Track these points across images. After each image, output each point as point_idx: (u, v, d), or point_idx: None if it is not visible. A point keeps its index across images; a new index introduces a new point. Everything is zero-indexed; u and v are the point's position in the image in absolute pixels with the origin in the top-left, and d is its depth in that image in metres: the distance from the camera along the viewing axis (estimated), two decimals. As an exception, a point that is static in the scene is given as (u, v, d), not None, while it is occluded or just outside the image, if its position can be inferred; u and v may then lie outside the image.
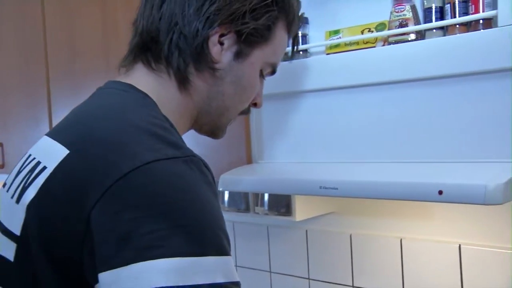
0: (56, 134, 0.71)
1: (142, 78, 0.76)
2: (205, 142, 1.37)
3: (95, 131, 0.65)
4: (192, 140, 1.39)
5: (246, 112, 0.88)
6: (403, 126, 1.03)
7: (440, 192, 0.83)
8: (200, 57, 0.75)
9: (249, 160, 1.29)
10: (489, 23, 0.93)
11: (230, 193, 1.51)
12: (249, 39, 0.77)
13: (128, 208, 0.56)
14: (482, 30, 0.93)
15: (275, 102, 1.25)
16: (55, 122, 1.86)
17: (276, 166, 1.21)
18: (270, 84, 1.22)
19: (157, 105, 0.73)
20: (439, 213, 1.28)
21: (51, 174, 0.63)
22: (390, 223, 1.38)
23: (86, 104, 0.76)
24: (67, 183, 0.61)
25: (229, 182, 1.16)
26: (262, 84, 0.87)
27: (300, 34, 1.22)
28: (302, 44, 1.22)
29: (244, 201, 1.53)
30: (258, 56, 0.80)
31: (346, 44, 1.15)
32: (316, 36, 1.24)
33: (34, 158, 0.70)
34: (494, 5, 0.91)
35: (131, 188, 0.57)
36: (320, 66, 1.14)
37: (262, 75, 0.84)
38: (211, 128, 0.85)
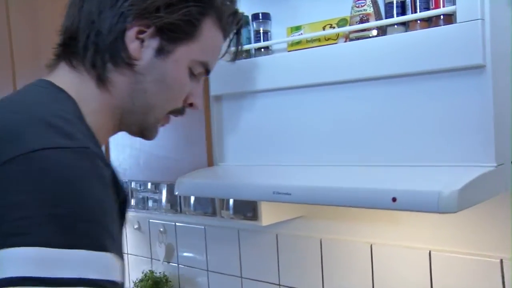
0: None
1: (63, 76, 0.75)
2: (167, 144, 1.32)
3: None
4: (153, 142, 1.34)
5: (179, 112, 0.84)
6: (363, 127, 0.97)
7: (394, 199, 0.77)
8: (117, 54, 0.73)
9: (211, 163, 1.24)
10: (450, 18, 0.87)
11: (196, 196, 1.46)
12: (170, 36, 0.75)
13: (5, 193, 0.54)
14: (442, 26, 0.87)
15: (236, 101, 1.19)
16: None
17: (235, 169, 1.15)
18: (231, 83, 1.17)
19: (73, 101, 0.71)
20: (408, 218, 1.23)
21: None
22: (360, 228, 1.33)
23: (3, 99, 0.73)
24: None
25: (183, 186, 1.11)
26: (197, 84, 0.83)
27: (261, 31, 1.17)
28: (264, 41, 1.17)
29: (211, 205, 1.48)
30: (183, 53, 0.77)
31: (307, 41, 1.10)
32: (279, 33, 1.18)
33: None
34: (454, 0, 0.86)
35: (12, 173, 0.55)
36: (281, 64, 1.09)
37: (194, 74, 0.81)
38: (139, 129, 0.82)
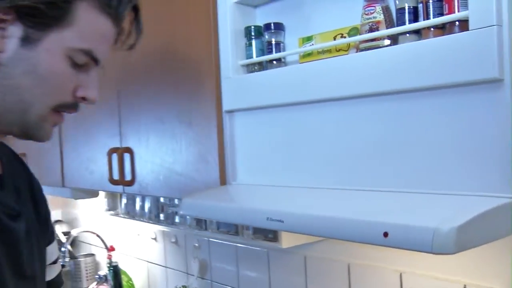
0: None
1: None
2: (183, 160, 1.28)
3: None
4: (172, 158, 1.30)
5: (71, 107, 0.76)
6: (372, 147, 0.87)
7: (386, 234, 0.67)
8: None
9: (223, 181, 1.18)
10: (465, 25, 0.75)
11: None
12: (35, 22, 0.68)
13: None
14: (457, 34, 0.76)
15: (249, 116, 1.13)
16: (65, 133, 1.84)
17: (242, 190, 1.08)
18: (244, 97, 1.11)
19: None
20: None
21: None
22: (389, 254, 1.21)
23: None
24: None
25: (186, 206, 1.06)
26: (86, 74, 0.75)
27: (274, 42, 1.09)
28: (277, 52, 1.09)
29: (233, 224, 1.42)
30: (55, 41, 0.70)
31: (318, 52, 1.01)
32: (293, 44, 1.10)
33: None
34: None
35: None
36: (292, 77, 1.01)
37: (78, 64, 0.73)
38: (22, 129, 0.74)
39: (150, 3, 1.37)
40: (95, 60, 0.75)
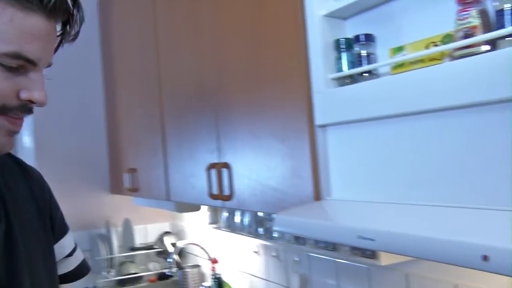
0: None
1: None
2: (278, 175, 1.29)
3: None
4: (267, 173, 1.31)
5: (18, 110, 0.72)
6: (467, 162, 0.81)
7: (485, 258, 0.62)
8: None
9: (317, 196, 1.16)
10: None
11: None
12: None
13: None
14: None
15: (342, 131, 1.10)
16: (169, 150, 1.94)
17: (336, 206, 1.06)
18: (336, 111, 1.09)
19: None
20: None
21: None
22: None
23: None
24: None
25: (280, 222, 1.06)
26: (25, 77, 0.71)
27: (364, 54, 1.06)
28: (367, 64, 1.06)
29: (330, 239, 1.39)
30: None
31: (411, 62, 0.96)
32: (384, 55, 1.06)
33: None
34: None
35: None
36: (384, 89, 0.97)
37: (11, 68, 0.69)
38: None
39: (238, 22, 1.41)
40: (29, 61, 0.70)
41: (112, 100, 2.77)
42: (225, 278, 2.30)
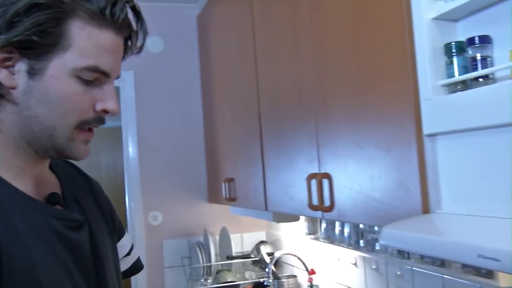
0: None
1: None
2: (381, 186, 1.24)
3: None
4: (369, 184, 1.27)
5: (95, 121, 0.79)
6: None
7: None
8: None
9: (426, 209, 1.10)
10: None
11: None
12: (33, 53, 0.72)
13: None
14: None
15: (453, 140, 1.04)
16: (267, 160, 1.95)
17: (449, 220, 0.99)
18: (446, 119, 1.03)
19: None
20: None
21: None
22: None
23: None
24: None
25: (387, 236, 1.01)
26: (100, 89, 0.78)
27: (479, 57, 0.99)
28: (483, 68, 0.99)
29: (439, 254, 1.31)
30: (58, 66, 0.74)
31: (535, 65, 0.88)
32: (503, 58, 0.99)
33: None
34: None
35: None
36: (504, 95, 0.90)
37: (89, 81, 0.76)
38: (56, 152, 0.79)
39: (340, 29, 1.38)
40: (104, 73, 0.77)
41: (210, 112, 2.84)
42: (322, 290, 2.26)
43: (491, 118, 0.92)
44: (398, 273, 1.74)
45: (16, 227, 0.74)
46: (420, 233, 0.95)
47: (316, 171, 1.54)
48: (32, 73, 0.74)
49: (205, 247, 2.78)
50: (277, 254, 2.37)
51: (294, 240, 2.61)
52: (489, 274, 1.15)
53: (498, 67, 0.96)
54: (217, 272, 2.74)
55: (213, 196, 2.85)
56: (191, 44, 3.01)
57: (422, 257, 1.37)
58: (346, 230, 1.87)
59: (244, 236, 2.99)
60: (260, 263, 2.74)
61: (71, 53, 0.74)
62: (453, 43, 1.02)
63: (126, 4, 0.78)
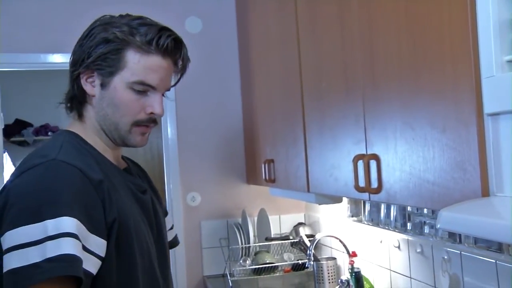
0: None
1: (69, 123, 1.21)
2: (435, 168, 1.19)
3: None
4: (423, 166, 1.22)
5: (147, 121, 1.14)
6: None
7: None
8: (78, 97, 1.15)
9: (485, 192, 1.05)
10: None
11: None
12: (103, 73, 1.10)
13: (8, 200, 0.99)
14: None
15: (519, 120, 0.98)
16: (309, 141, 1.92)
17: (511, 203, 0.94)
18: (509, 98, 0.97)
19: (75, 135, 1.14)
20: None
21: None
22: None
23: None
24: None
25: (445, 219, 0.96)
26: (148, 97, 1.12)
27: None
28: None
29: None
30: (118, 81, 1.10)
31: None
32: None
33: None
34: None
35: (7, 189, 1.02)
36: None
37: (139, 91, 1.11)
38: (120, 141, 1.15)
39: (398, 2, 1.32)
40: (150, 86, 1.11)
41: (249, 92, 2.81)
42: (364, 272, 2.23)
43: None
44: (445, 257, 1.70)
45: (113, 181, 1.08)
46: (483, 216, 0.91)
47: (363, 152, 1.50)
48: (103, 85, 1.11)
49: (243, 229, 2.78)
50: (318, 236, 2.34)
51: (334, 222, 2.58)
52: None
53: None
54: (256, 254, 2.74)
55: (252, 177, 2.83)
56: (230, 24, 2.97)
57: (476, 241, 1.32)
58: (392, 213, 1.83)
59: (282, 218, 2.97)
60: (299, 245, 2.72)
61: (126, 72, 1.09)
62: (522, 16, 0.96)
63: (169, 37, 1.10)
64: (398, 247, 1.99)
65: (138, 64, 1.09)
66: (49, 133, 4.74)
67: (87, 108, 1.15)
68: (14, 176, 1.03)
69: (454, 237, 1.46)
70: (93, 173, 1.03)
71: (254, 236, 2.78)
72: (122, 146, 1.18)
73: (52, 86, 5.02)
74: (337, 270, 2.49)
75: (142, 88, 1.10)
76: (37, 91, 4.52)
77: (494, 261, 1.46)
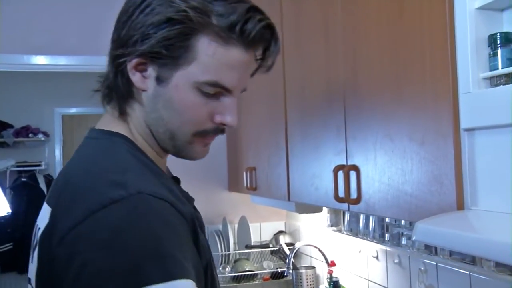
0: (47, 196, 0.81)
1: (105, 120, 0.87)
2: (413, 180, 1.21)
3: (66, 188, 0.75)
4: (401, 178, 1.24)
5: (213, 132, 0.84)
6: None
7: None
8: (121, 89, 0.81)
9: (460, 206, 1.07)
10: None
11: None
12: (161, 63, 0.77)
13: (78, 253, 0.65)
14: None
15: (493, 136, 1.00)
16: (291, 150, 1.93)
17: (485, 217, 0.96)
18: (486, 114, 0.99)
19: (131, 144, 0.82)
20: None
21: (42, 232, 0.74)
22: None
23: (70, 161, 0.83)
24: (48, 235, 0.72)
25: (421, 232, 0.98)
26: (219, 102, 0.81)
27: None
28: (528, 61, 0.95)
29: (469, 251, 1.29)
30: (182, 77, 0.78)
31: None
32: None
33: (37, 225, 0.81)
34: None
35: (80, 236, 0.66)
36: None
37: (208, 94, 0.79)
38: (174, 151, 0.86)
39: (375, 17, 1.34)
40: (225, 88, 0.79)
41: (232, 99, 2.82)
42: (342, 282, 2.24)
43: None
44: (422, 268, 1.72)
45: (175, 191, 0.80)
46: (457, 230, 0.92)
47: (344, 162, 1.52)
48: (159, 80, 0.79)
49: (223, 236, 2.78)
50: (297, 245, 2.35)
51: (314, 231, 2.60)
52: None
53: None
54: (235, 261, 2.74)
55: (234, 185, 2.84)
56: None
57: (451, 253, 1.35)
58: (371, 224, 1.85)
59: (262, 226, 2.98)
60: (278, 253, 2.73)
61: (194, 66, 0.77)
62: (498, 34, 0.99)
63: (260, 22, 0.77)
64: (377, 257, 2.01)
65: (212, 57, 0.77)
66: (30, 135, 4.70)
67: (132, 105, 0.83)
68: (77, 216, 0.67)
69: (430, 248, 1.48)
70: (181, 204, 0.75)
71: (234, 243, 2.78)
72: (174, 156, 0.88)
73: (34, 87, 5.00)
74: (316, 279, 2.50)
75: (214, 91, 0.79)
76: (19, 92, 4.48)
77: (468, 272, 1.48)
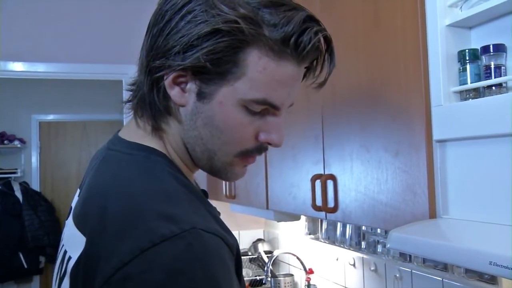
0: (76, 218, 0.73)
1: (136, 132, 0.77)
2: (388, 190, 1.25)
3: (105, 216, 0.65)
4: (376, 187, 1.28)
5: (256, 151, 0.75)
6: None
7: None
8: (157, 104, 0.73)
9: (433, 214, 1.11)
10: None
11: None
12: (205, 78, 0.69)
13: None
14: None
15: (464, 147, 1.05)
16: (270, 159, 1.94)
17: (456, 226, 1.00)
18: (457, 126, 1.04)
19: (170, 163, 0.74)
20: None
21: (75, 263, 0.66)
22: None
23: (98, 174, 0.75)
24: (85, 269, 0.64)
25: (395, 240, 1.02)
26: (265, 120, 0.73)
27: (493, 66, 1.00)
28: (496, 77, 1.00)
29: (442, 258, 1.33)
30: (227, 94, 0.69)
31: (549, 76, 0.89)
32: (516, 67, 1.00)
33: (63, 247, 0.74)
34: None
35: (129, 277, 0.58)
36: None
37: (255, 112, 0.71)
38: (211, 172, 0.77)
39: (352, 32, 1.38)
40: (273, 106, 0.72)
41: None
42: (319, 289, 2.27)
43: (502, 127, 0.93)
44: (397, 275, 1.76)
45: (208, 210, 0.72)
46: (430, 238, 0.96)
47: (321, 172, 1.55)
48: (201, 96, 0.70)
49: (202, 243, 2.78)
50: (276, 253, 2.38)
51: (292, 239, 2.62)
52: (492, 279, 1.16)
53: (509, 77, 0.97)
54: (214, 269, 2.74)
55: (212, 193, 2.85)
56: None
57: (424, 261, 1.39)
58: (348, 231, 1.88)
59: (241, 234, 3.00)
60: (257, 261, 2.75)
61: (242, 83, 0.69)
62: (467, 51, 1.03)
63: (317, 34, 0.69)
64: (353, 265, 2.05)
65: (262, 73, 0.69)
66: (5, 142, 4.63)
67: (167, 120, 0.75)
68: (124, 254, 0.60)
69: (405, 256, 1.52)
70: (228, 235, 0.69)
71: (213, 251, 2.78)
72: (208, 173, 0.80)
73: (10, 94, 4.94)
74: (294, 286, 2.53)
75: (261, 109, 0.72)
76: (-6, 98, 4.41)
77: (440, 279, 1.53)
